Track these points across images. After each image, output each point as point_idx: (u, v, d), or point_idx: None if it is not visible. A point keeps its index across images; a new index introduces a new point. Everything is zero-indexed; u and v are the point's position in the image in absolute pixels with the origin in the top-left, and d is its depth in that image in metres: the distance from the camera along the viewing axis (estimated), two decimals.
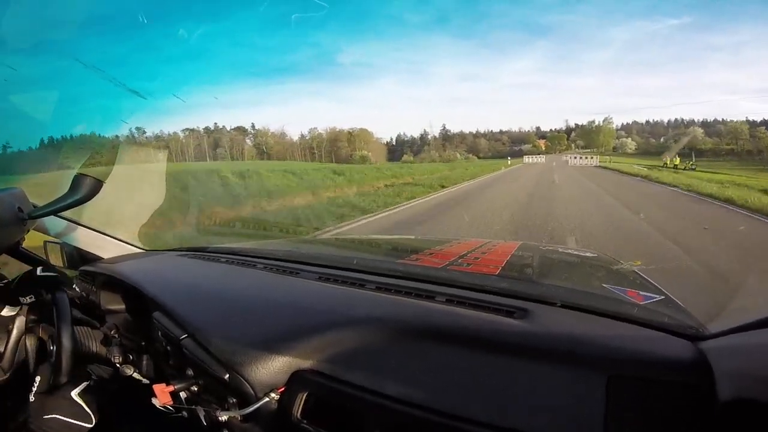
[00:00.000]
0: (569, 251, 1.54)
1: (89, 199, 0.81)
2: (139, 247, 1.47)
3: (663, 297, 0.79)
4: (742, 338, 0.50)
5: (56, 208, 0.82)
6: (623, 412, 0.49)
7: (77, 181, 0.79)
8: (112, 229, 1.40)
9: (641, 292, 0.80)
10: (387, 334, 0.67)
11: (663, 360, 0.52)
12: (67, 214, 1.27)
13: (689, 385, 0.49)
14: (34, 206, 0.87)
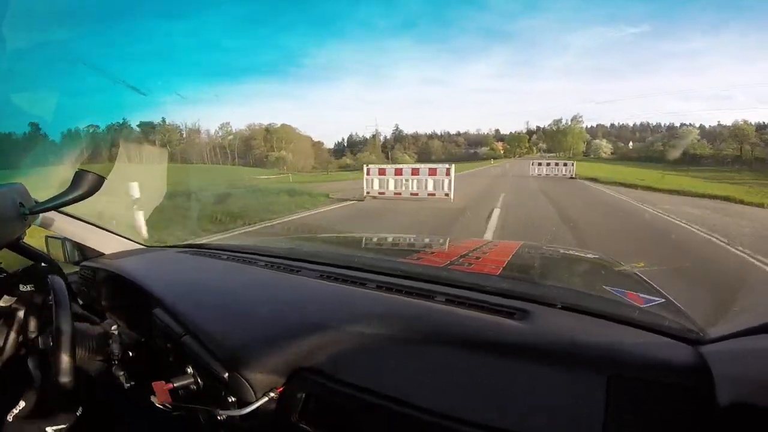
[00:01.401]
0: (571, 252, 1.54)
1: (91, 195, 0.81)
2: (140, 243, 1.47)
3: (664, 300, 0.78)
4: (742, 343, 0.50)
5: (57, 203, 0.82)
6: (623, 413, 0.49)
7: (78, 176, 0.79)
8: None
9: (642, 295, 0.80)
10: (387, 333, 0.67)
11: (663, 363, 0.52)
12: (68, 209, 1.28)
13: (689, 389, 0.49)
14: (36, 201, 0.88)
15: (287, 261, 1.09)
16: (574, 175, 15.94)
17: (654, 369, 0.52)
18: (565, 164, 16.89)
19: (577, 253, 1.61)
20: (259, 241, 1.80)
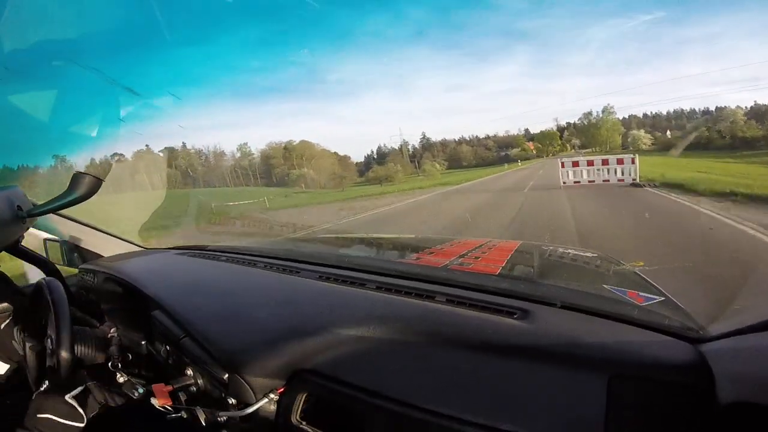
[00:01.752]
0: (570, 251, 1.54)
1: (88, 198, 0.80)
2: (139, 246, 1.47)
3: (663, 298, 0.78)
4: (741, 341, 0.50)
5: (55, 206, 0.82)
6: (623, 411, 0.49)
7: (76, 179, 0.79)
8: None
9: (642, 293, 0.80)
10: (387, 334, 0.67)
11: (663, 362, 0.52)
12: (66, 212, 1.27)
13: (689, 387, 0.49)
14: (33, 204, 0.87)
15: (286, 262, 1.09)
16: (638, 180, 8.94)
17: (654, 367, 0.52)
18: (620, 161, 9.45)
19: (576, 252, 1.61)
20: (258, 243, 1.79)
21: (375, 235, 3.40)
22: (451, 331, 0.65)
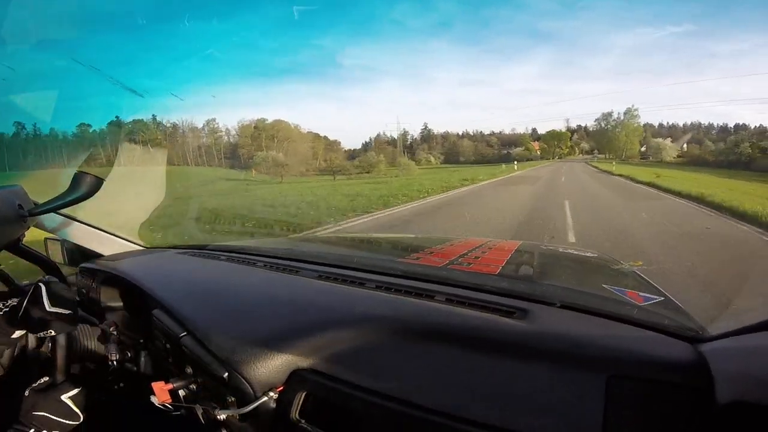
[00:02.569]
0: (569, 251, 1.54)
1: (89, 197, 0.81)
2: (139, 245, 1.47)
3: (663, 298, 0.78)
4: (741, 341, 0.50)
5: (56, 205, 0.82)
6: (622, 411, 0.49)
7: (77, 178, 0.79)
8: None
9: (641, 293, 0.80)
10: (386, 333, 0.67)
11: (662, 362, 0.52)
12: (67, 211, 1.28)
13: (688, 387, 0.49)
14: (35, 203, 0.87)
15: (286, 261, 1.09)
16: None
17: (653, 367, 0.52)
18: None
19: (576, 252, 1.61)
20: (258, 242, 1.80)
21: (375, 235, 3.41)
22: (450, 330, 0.65)
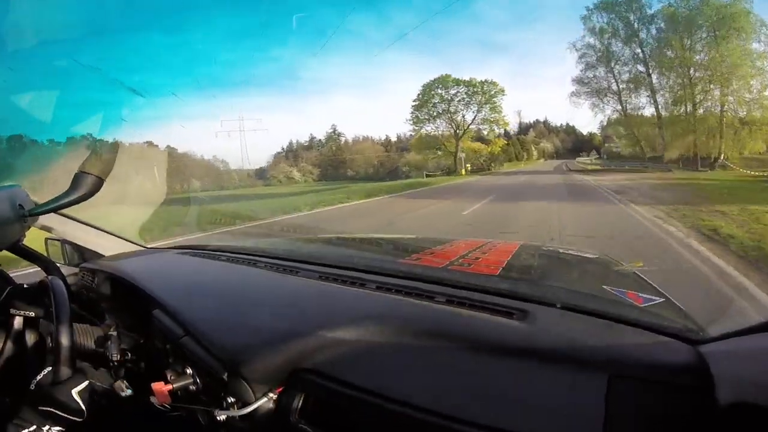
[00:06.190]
0: (570, 252, 1.54)
1: (90, 197, 0.81)
2: (139, 245, 1.47)
3: (663, 299, 0.78)
4: (741, 342, 0.50)
5: (57, 205, 0.82)
6: (623, 413, 0.49)
7: (78, 179, 0.79)
8: None
9: (641, 294, 0.79)
10: (387, 334, 0.67)
11: (663, 363, 0.52)
12: (67, 211, 1.28)
13: (689, 388, 0.49)
14: (35, 204, 0.87)
15: (286, 262, 1.09)
16: None
17: (653, 368, 0.52)
18: None
19: (576, 253, 1.61)
20: (258, 243, 1.80)
21: (375, 236, 3.40)
22: (450, 331, 0.65)
